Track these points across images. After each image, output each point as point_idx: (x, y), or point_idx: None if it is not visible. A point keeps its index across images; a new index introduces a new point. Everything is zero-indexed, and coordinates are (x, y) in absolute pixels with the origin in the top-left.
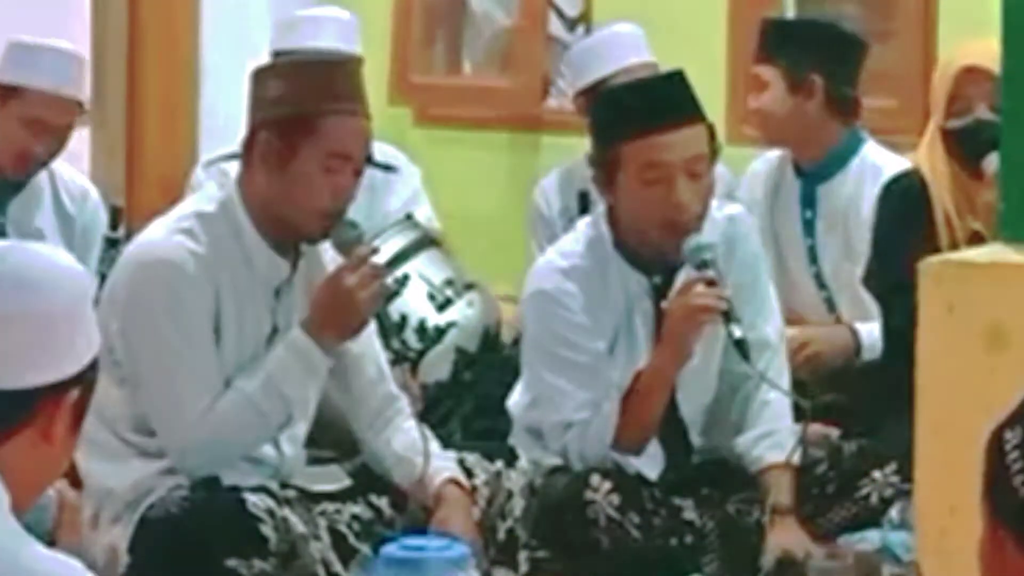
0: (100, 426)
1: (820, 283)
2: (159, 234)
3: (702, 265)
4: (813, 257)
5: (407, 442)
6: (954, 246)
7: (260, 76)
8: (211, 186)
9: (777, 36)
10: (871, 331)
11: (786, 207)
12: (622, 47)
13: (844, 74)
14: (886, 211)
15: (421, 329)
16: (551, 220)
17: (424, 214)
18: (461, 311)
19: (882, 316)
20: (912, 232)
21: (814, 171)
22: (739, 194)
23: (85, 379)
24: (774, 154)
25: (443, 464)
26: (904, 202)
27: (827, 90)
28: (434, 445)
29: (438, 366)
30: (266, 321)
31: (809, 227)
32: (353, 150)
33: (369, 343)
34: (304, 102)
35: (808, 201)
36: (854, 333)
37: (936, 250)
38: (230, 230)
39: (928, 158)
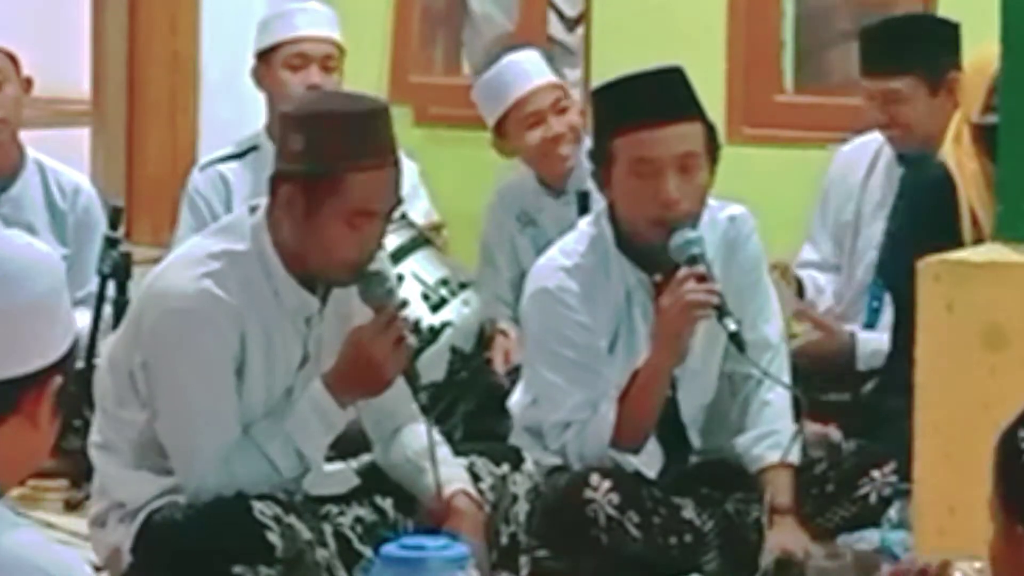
0: (121, 437)
1: (883, 269)
2: (187, 276)
3: (691, 260)
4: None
5: (420, 450)
6: (980, 242)
7: (284, 123)
8: (243, 212)
9: (902, 42)
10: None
11: (880, 190)
12: (523, 72)
13: (961, 63)
14: (907, 200)
15: (416, 329)
16: (505, 227)
17: (423, 208)
18: (456, 310)
19: (894, 305)
20: (933, 225)
21: (920, 159)
22: (829, 173)
23: (66, 364)
24: (868, 139)
25: (454, 473)
26: (927, 193)
27: (960, 83)
28: (445, 451)
29: (434, 366)
30: (296, 350)
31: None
32: (378, 205)
33: None
34: (325, 159)
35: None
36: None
37: (960, 245)
38: (259, 266)
39: (955, 152)
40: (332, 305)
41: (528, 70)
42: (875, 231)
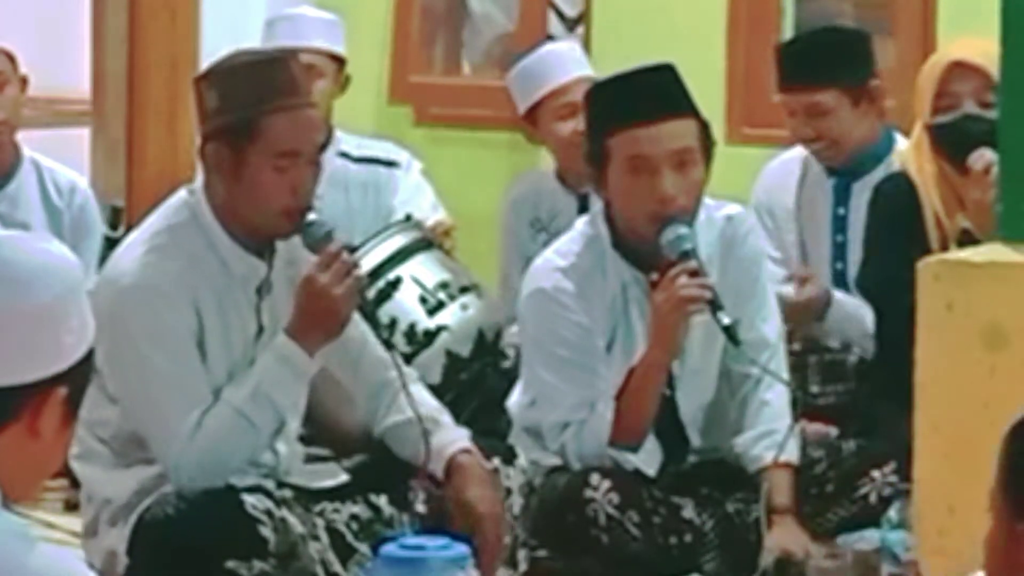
0: (95, 437)
1: (841, 280)
2: (134, 256)
3: (683, 255)
4: (840, 254)
5: (420, 412)
6: (944, 245)
7: (198, 87)
8: (183, 193)
9: (821, 55)
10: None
11: (815, 204)
12: (562, 62)
13: (877, 72)
14: (877, 212)
15: (410, 332)
16: (520, 234)
17: (428, 203)
18: (454, 314)
19: (876, 316)
20: (903, 232)
21: (850, 169)
22: (757, 193)
23: (75, 375)
24: (790, 155)
25: (455, 434)
26: (894, 203)
27: (882, 91)
28: (447, 418)
29: (428, 370)
30: (251, 321)
31: (841, 223)
32: (300, 145)
33: (366, 329)
34: (241, 108)
35: (842, 198)
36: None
37: (927, 250)
38: (202, 238)
39: (915, 158)
40: (280, 273)
41: (568, 61)
42: (823, 247)
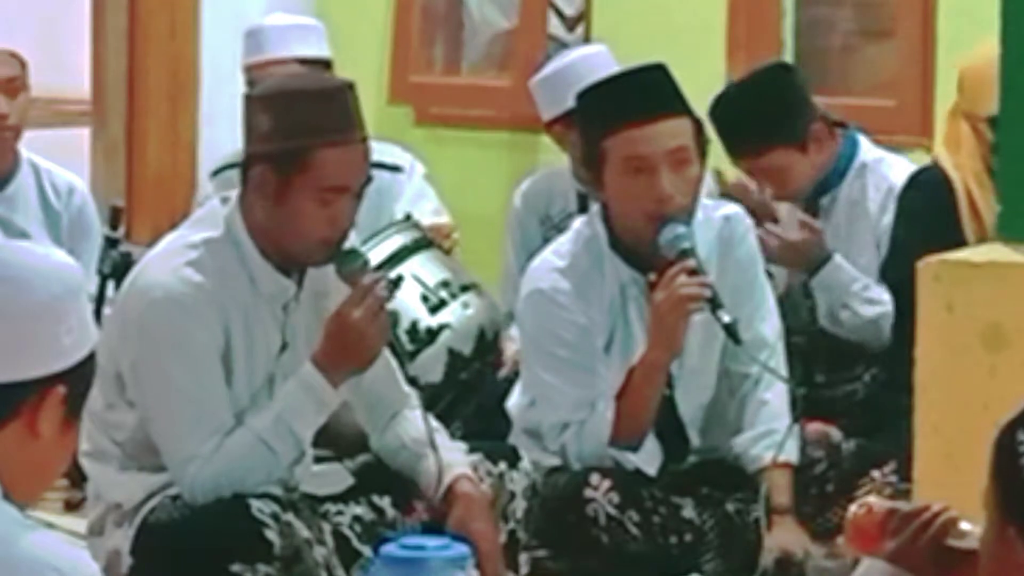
0: (110, 441)
1: (807, 292)
2: (166, 268)
3: (681, 254)
4: None
5: (418, 436)
6: (983, 239)
7: (250, 106)
8: (216, 204)
9: (759, 124)
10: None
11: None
12: (598, 72)
13: (814, 102)
14: (908, 204)
15: (412, 330)
16: (528, 229)
17: (431, 208)
18: (455, 313)
19: (896, 308)
20: (934, 226)
21: (815, 187)
22: None
23: (75, 376)
24: None
25: (453, 458)
26: (927, 196)
27: (825, 125)
28: (443, 436)
29: (430, 368)
30: (275, 337)
31: None
32: (348, 181)
33: None
34: (294, 137)
35: (812, 214)
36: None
37: (962, 243)
38: (235, 253)
39: (951, 157)
40: (307, 292)
41: (604, 68)
42: None
